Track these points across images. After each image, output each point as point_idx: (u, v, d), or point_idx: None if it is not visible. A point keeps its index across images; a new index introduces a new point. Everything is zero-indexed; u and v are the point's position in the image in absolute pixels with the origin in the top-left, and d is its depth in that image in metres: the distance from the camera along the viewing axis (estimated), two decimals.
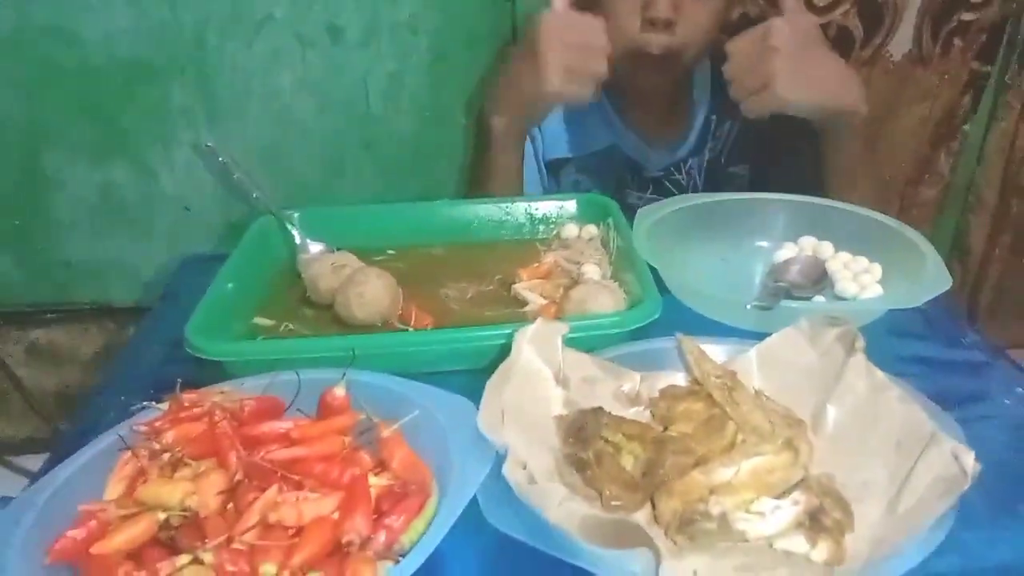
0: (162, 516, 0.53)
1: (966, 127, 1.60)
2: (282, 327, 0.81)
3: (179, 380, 0.61)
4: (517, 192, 1.09)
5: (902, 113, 1.56)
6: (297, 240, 0.92)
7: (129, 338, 1.67)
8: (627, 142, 1.17)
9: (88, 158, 1.54)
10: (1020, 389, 0.72)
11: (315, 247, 0.91)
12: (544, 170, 1.21)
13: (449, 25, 1.39)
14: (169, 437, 0.58)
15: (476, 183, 1.12)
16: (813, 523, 0.52)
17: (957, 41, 1.48)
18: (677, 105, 1.17)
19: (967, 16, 1.46)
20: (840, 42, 1.46)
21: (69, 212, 1.55)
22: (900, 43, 1.48)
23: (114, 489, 0.56)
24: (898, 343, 0.77)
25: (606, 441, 0.57)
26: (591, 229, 0.94)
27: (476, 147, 1.11)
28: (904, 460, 0.54)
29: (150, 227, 1.62)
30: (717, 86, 1.11)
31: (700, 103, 1.17)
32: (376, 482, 0.55)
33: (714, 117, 1.16)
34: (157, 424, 0.59)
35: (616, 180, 1.20)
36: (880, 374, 0.60)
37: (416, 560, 0.47)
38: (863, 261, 0.86)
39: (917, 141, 1.59)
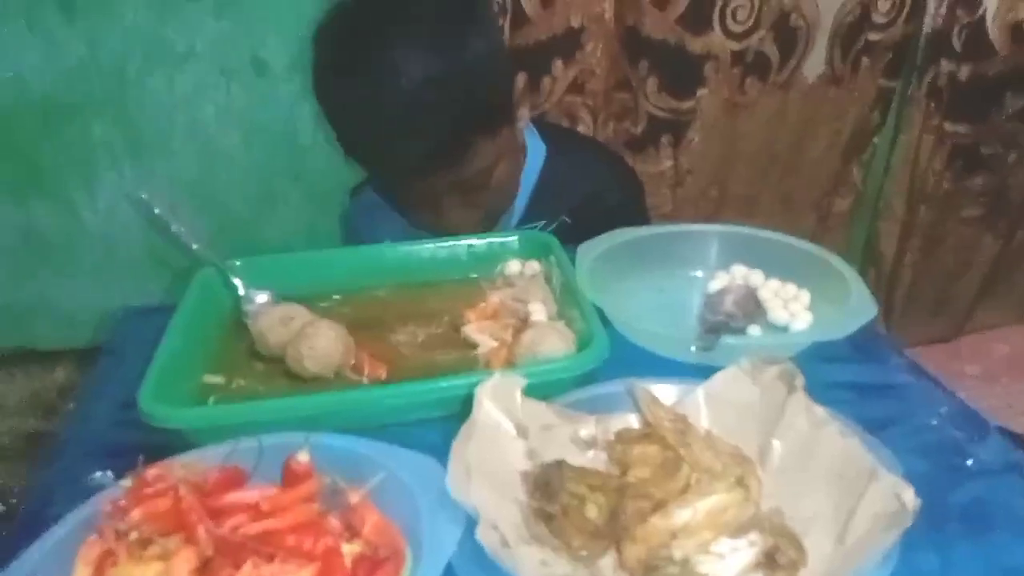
0: None
1: (875, 140, 1.69)
2: (233, 384, 0.81)
3: (141, 456, 0.61)
4: None
5: (818, 131, 1.63)
6: (241, 291, 0.91)
7: (60, 381, 1.63)
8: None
9: (6, 198, 1.49)
10: (943, 409, 0.77)
11: (260, 297, 0.91)
12: None
13: None
14: (135, 515, 0.58)
15: None
16: (769, 562, 0.56)
17: (865, 60, 1.56)
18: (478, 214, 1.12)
19: (873, 36, 1.54)
20: (757, 67, 1.52)
21: None
22: (814, 65, 1.55)
23: (82, 573, 0.56)
24: (825, 369, 0.81)
25: (571, 494, 0.59)
26: (534, 265, 0.96)
27: None
28: (848, 493, 0.58)
29: (75, 267, 1.58)
30: (542, 192, 1.16)
31: (517, 207, 1.17)
32: (349, 550, 0.56)
33: (538, 224, 1.15)
34: (122, 502, 0.58)
35: None
36: (820, 410, 0.63)
37: None
38: (792, 288, 0.91)
39: (832, 156, 1.67)
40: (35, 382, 1.64)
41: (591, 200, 1.17)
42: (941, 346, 1.93)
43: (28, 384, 1.64)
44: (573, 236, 0.97)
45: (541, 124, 1.25)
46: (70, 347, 1.60)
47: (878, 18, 1.53)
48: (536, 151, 1.18)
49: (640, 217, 1.26)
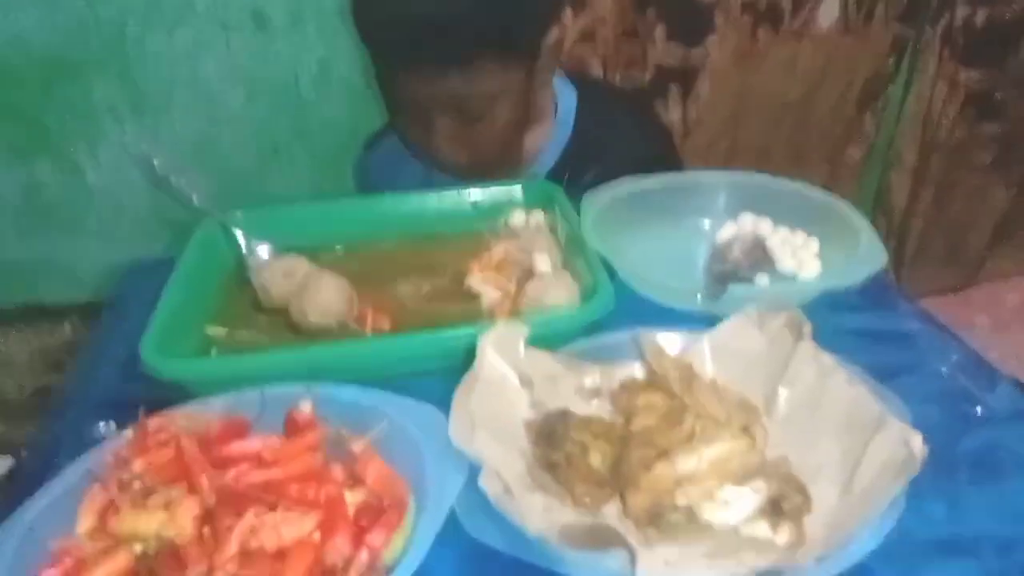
0: (138, 548, 0.54)
1: (890, 89, 1.65)
2: (236, 336, 0.80)
3: (142, 407, 0.61)
4: None
5: (831, 81, 1.60)
6: (243, 243, 0.90)
7: (67, 337, 1.64)
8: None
9: (10, 157, 1.49)
10: (954, 356, 0.76)
11: (262, 249, 0.90)
12: None
13: None
14: (137, 465, 0.58)
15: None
16: (774, 509, 0.55)
17: (880, 6, 1.52)
18: (502, 160, 1.10)
19: None
20: (770, 15, 1.48)
21: None
22: (827, 13, 1.51)
23: (85, 522, 0.56)
24: (835, 317, 0.80)
25: (574, 442, 0.59)
26: (539, 216, 0.95)
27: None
28: (855, 442, 0.57)
29: (79, 225, 1.58)
30: (577, 141, 1.13)
31: (549, 154, 1.15)
32: (352, 498, 0.56)
33: (567, 173, 1.12)
34: (124, 453, 0.58)
35: None
36: (827, 358, 0.63)
37: None
38: (801, 236, 0.90)
39: (845, 106, 1.64)
40: (42, 338, 1.65)
41: (623, 154, 1.13)
42: (951, 296, 1.91)
43: (35, 340, 1.65)
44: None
45: (572, 75, 1.21)
46: (76, 303, 1.60)
47: None
48: (567, 103, 1.15)
49: (677, 165, 1.22)
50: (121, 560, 0.53)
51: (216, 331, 0.81)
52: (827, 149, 1.70)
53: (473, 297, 0.84)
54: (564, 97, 1.15)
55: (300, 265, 0.83)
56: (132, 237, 1.58)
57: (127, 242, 1.55)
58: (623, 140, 1.14)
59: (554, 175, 1.13)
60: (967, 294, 1.96)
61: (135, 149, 1.20)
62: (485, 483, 0.52)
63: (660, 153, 1.20)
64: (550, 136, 1.14)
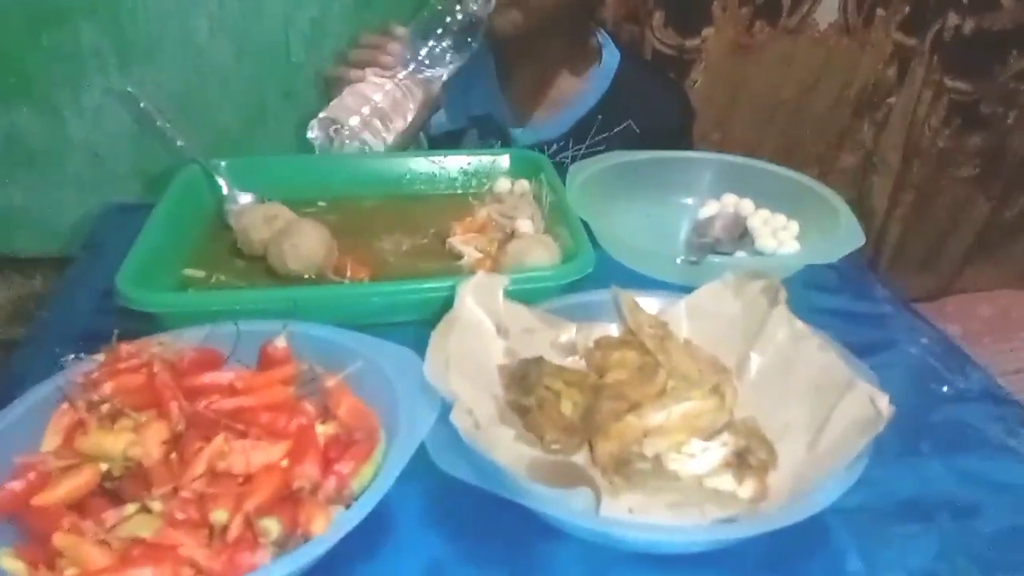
0: (104, 467, 0.53)
1: (891, 100, 1.66)
2: (213, 278, 0.80)
3: (116, 331, 0.60)
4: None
5: (827, 82, 1.60)
6: (225, 190, 0.90)
7: (39, 289, 1.62)
8: (499, 110, 1.21)
9: None
10: (924, 339, 0.78)
11: (244, 198, 0.90)
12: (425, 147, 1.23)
13: None
14: (107, 388, 0.57)
15: None
16: (740, 462, 0.56)
17: (880, 11, 1.53)
18: (548, 86, 1.21)
19: None
20: (768, 10, 1.49)
21: None
22: (826, 12, 1.52)
23: (51, 441, 0.55)
24: (813, 296, 0.82)
25: (547, 388, 0.59)
26: (523, 184, 0.96)
27: None
28: (823, 404, 0.58)
29: (58, 175, 1.55)
30: (616, 91, 1.20)
31: (587, 98, 1.21)
32: (323, 430, 0.56)
33: (600, 117, 1.20)
34: (95, 375, 0.58)
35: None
36: (801, 324, 0.63)
37: (368, 503, 0.48)
38: (781, 218, 0.91)
39: (840, 110, 1.64)
40: (13, 290, 1.62)
41: (654, 115, 1.21)
42: (925, 304, 1.94)
43: (6, 292, 1.62)
44: (632, 146, 1.00)
45: (617, 40, 1.28)
46: (49, 255, 1.58)
47: None
48: (611, 57, 1.22)
49: (688, 145, 1.28)
50: (87, 476, 0.52)
51: (193, 273, 0.81)
52: (819, 151, 1.71)
53: (454, 256, 0.85)
54: (608, 53, 1.21)
55: (282, 212, 0.83)
56: (110, 190, 1.55)
57: (104, 195, 1.53)
58: (653, 106, 1.22)
59: (585, 123, 1.20)
60: (941, 303, 1.99)
61: (120, 88, 1.18)
62: (456, 418, 0.52)
63: (682, 128, 1.26)
64: (590, 82, 1.20)
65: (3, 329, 1.67)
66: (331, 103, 0.88)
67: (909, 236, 1.82)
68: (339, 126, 0.84)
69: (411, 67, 0.91)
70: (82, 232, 1.29)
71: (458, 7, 0.89)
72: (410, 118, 0.92)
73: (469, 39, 0.89)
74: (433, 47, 0.89)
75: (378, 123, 0.86)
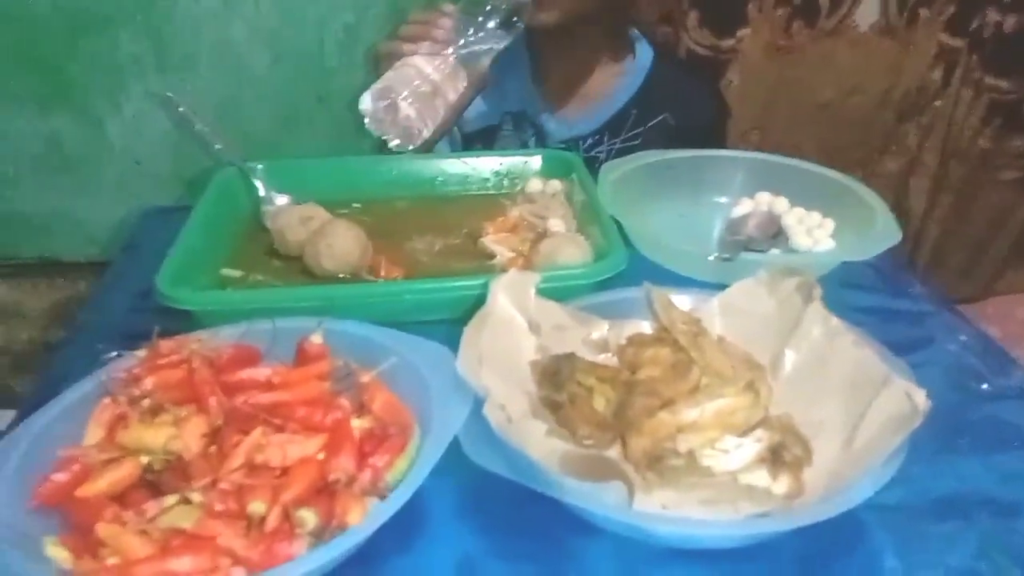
0: (145, 460, 0.54)
1: (937, 103, 1.62)
2: (250, 278, 0.81)
3: (156, 328, 0.62)
4: None
5: (869, 85, 1.57)
6: (261, 192, 0.92)
7: (82, 293, 1.65)
8: (533, 106, 1.22)
9: (32, 109, 1.49)
10: (963, 337, 0.76)
11: (280, 199, 0.91)
12: (459, 144, 1.26)
13: None
14: (148, 384, 0.58)
15: None
16: (774, 458, 0.56)
17: (924, 12, 1.49)
18: (583, 80, 1.22)
19: None
20: (806, 11, 1.47)
21: (12, 165, 1.51)
22: (866, 13, 1.50)
23: (93, 435, 0.57)
24: (850, 294, 0.81)
25: (579, 384, 0.59)
26: (555, 184, 0.96)
27: None
28: (858, 400, 0.57)
29: (98, 180, 1.58)
30: (651, 86, 1.20)
31: (621, 93, 1.21)
32: (358, 424, 0.56)
33: (635, 112, 1.20)
34: (136, 371, 0.59)
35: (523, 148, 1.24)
36: (836, 320, 0.63)
37: (403, 495, 0.49)
38: (816, 216, 0.90)
39: (884, 113, 1.61)
40: (56, 292, 1.66)
41: (689, 111, 1.21)
42: (963, 306, 1.90)
43: (49, 294, 1.65)
44: (667, 141, 1.02)
45: (651, 40, 1.29)
46: (91, 259, 1.61)
47: None
48: (645, 53, 1.23)
49: (722, 143, 1.28)
50: (128, 469, 0.53)
51: (230, 273, 0.82)
52: (861, 155, 1.67)
53: (487, 256, 0.85)
54: (642, 51, 1.22)
55: (318, 212, 0.84)
56: (149, 194, 1.58)
57: (143, 199, 1.56)
58: (688, 102, 1.22)
59: (620, 118, 1.20)
60: (979, 306, 1.95)
61: (160, 93, 1.20)
62: (489, 412, 0.52)
63: (716, 124, 1.27)
64: (624, 78, 1.21)
65: (46, 331, 1.71)
66: (384, 75, 0.88)
67: (948, 239, 1.79)
68: (393, 96, 0.85)
69: (461, 42, 0.91)
70: (122, 236, 1.32)
71: None
72: (461, 90, 0.93)
73: (515, 19, 0.90)
74: (482, 23, 0.90)
75: (430, 95, 0.87)
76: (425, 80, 0.87)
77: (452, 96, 0.90)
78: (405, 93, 0.84)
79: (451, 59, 0.89)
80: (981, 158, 1.69)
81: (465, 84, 0.93)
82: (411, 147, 0.89)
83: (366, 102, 0.86)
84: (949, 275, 1.86)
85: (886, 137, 1.67)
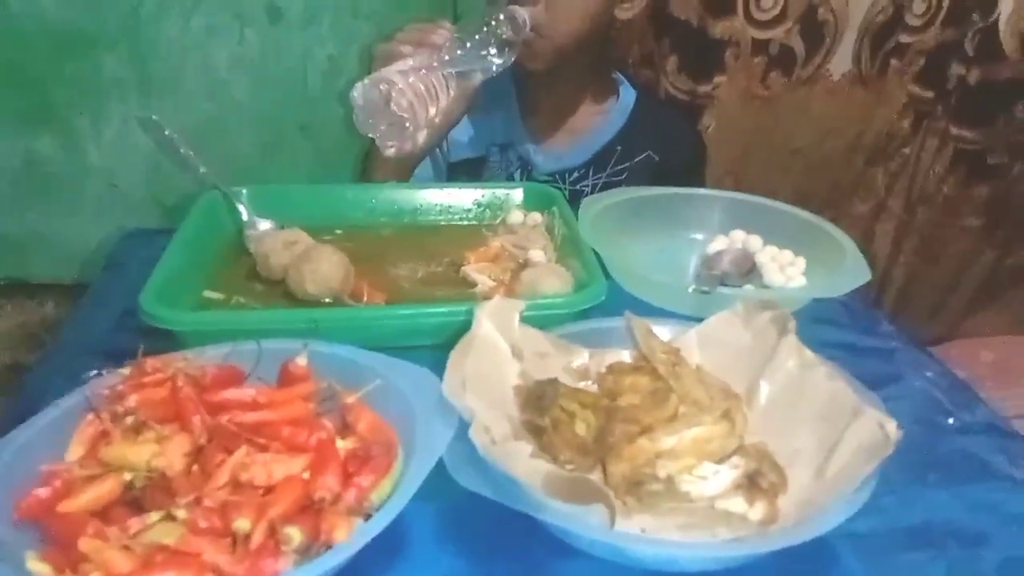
0: (128, 476, 0.54)
1: (906, 150, 1.67)
2: (232, 300, 0.82)
3: (141, 346, 0.62)
4: None
5: (841, 131, 1.62)
6: (245, 216, 0.92)
7: (50, 315, 1.63)
8: (519, 138, 1.25)
9: (12, 127, 1.49)
10: (929, 373, 0.79)
11: (263, 224, 0.92)
12: (444, 173, 1.28)
13: (391, 9, 1.40)
14: (132, 401, 0.58)
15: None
16: (751, 485, 0.57)
17: (894, 62, 1.54)
18: (568, 115, 1.25)
19: (905, 38, 1.52)
20: (782, 60, 1.52)
21: None
22: (840, 63, 1.54)
23: (76, 451, 0.57)
24: (820, 330, 0.83)
25: (562, 409, 0.60)
26: (536, 216, 0.98)
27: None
28: (831, 430, 0.59)
29: (75, 202, 1.57)
30: (634, 123, 1.24)
31: (606, 130, 1.25)
32: (343, 445, 0.57)
33: (619, 148, 1.24)
34: (120, 388, 0.59)
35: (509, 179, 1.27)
36: (810, 353, 0.65)
37: (389, 514, 0.49)
38: (788, 254, 0.93)
39: (855, 159, 1.66)
40: (24, 315, 1.63)
41: (672, 148, 1.26)
42: (929, 348, 1.94)
43: (16, 316, 1.63)
44: (651, 177, 1.06)
45: (633, 79, 1.33)
46: (61, 282, 1.60)
47: (912, 20, 1.51)
48: (628, 94, 1.27)
49: (701, 181, 1.32)
50: (110, 485, 0.53)
51: (213, 295, 0.82)
52: (831, 198, 1.71)
53: (468, 284, 0.86)
54: (625, 90, 1.27)
55: (302, 237, 0.85)
56: (125, 218, 1.57)
57: (120, 223, 1.55)
58: (671, 139, 1.27)
59: (605, 154, 1.24)
60: (943, 348, 1.99)
61: (144, 115, 1.21)
62: (475, 435, 0.53)
63: (697, 161, 1.32)
64: (608, 115, 1.25)
65: (12, 353, 1.68)
66: (380, 70, 0.90)
67: (913, 284, 1.83)
68: (386, 88, 0.85)
69: (457, 53, 0.93)
70: (96, 259, 1.31)
71: (495, 22, 0.93)
72: (452, 95, 0.95)
73: (508, 49, 0.93)
74: (477, 45, 0.92)
75: (423, 95, 0.88)
76: (420, 79, 0.88)
77: (444, 101, 0.92)
78: (400, 86, 0.85)
79: (446, 63, 0.92)
80: (945, 205, 1.74)
81: (456, 94, 0.95)
82: (400, 148, 0.90)
83: (357, 92, 0.86)
84: (914, 318, 1.90)
85: (855, 180, 1.71)
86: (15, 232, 1.59)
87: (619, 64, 1.31)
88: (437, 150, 1.26)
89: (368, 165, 1.16)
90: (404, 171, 1.10)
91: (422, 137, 0.99)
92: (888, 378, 0.77)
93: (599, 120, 1.25)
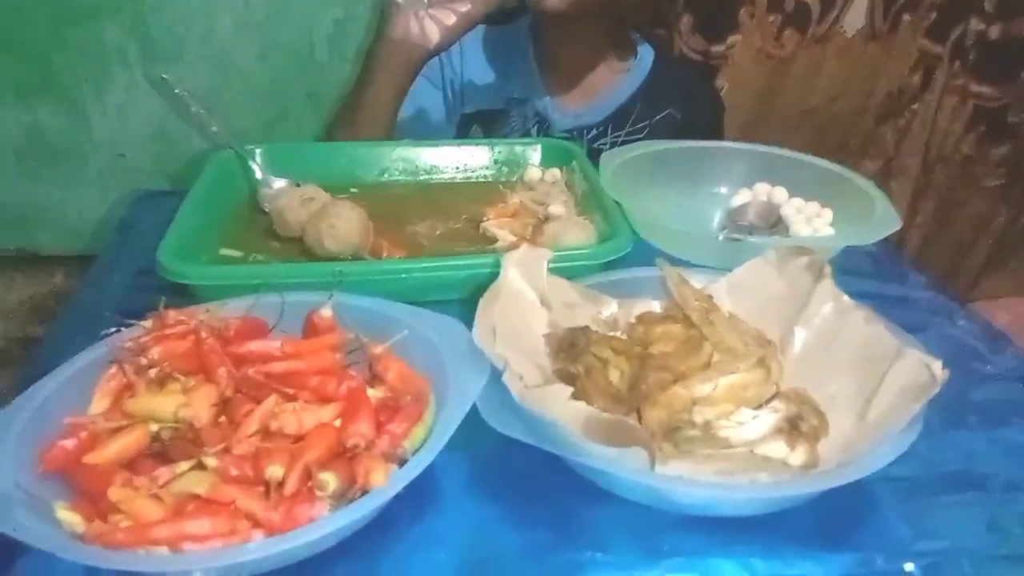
0: (154, 428, 0.53)
1: (915, 106, 1.64)
2: (250, 258, 0.80)
3: (163, 299, 0.60)
4: (385, 133, 1.06)
5: (853, 89, 1.59)
6: (259, 175, 0.91)
7: (59, 286, 1.62)
8: (537, 94, 1.23)
9: (14, 98, 1.47)
10: (961, 322, 0.77)
11: (278, 183, 0.90)
12: (454, 123, 1.26)
13: None
14: (155, 353, 0.57)
15: (341, 120, 1.09)
16: (791, 429, 0.56)
17: (906, 17, 1.51)
18: (588, 72, 1.23)
19: None
20: (797, 17, 1.49)
21: None
22: (854, 19, 1.51)
23: (99, 404, 0.55)
24: (849, 280, 0.80)
25: (595, 356, 0.59)
26: (554, 172, 0.96)
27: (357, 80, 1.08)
28: (871, 374, 0.58)
29: (80, 173, 1.56)
30: (654, 82, 1.23)
31: (625, 88, 1.23)
32: (373, 394, 0.55)
33: (638, 106, 1.22)
34: (142, 341, 0.58)
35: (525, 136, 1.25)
36: (846, 298, 0.63)
37: (425, 459, 0.48)
38: (815, 205, 0.91)
39: (864, 117, 1.63)
40: (34, 286, 1.63)
41: (692, 106, 1.25)
42: None
43: (26, 288, 1.62)
44: (673, 135, 1.03)
45: (650, 39, 1.31)
46: (69, 253, 1.59)
47: None
48: (647, 53, 1.26)
49: (720, 137, 1.30)
50: (137, 436, 0.52)
51: (231, 252, 0.81)
52: (843, 158, 1.69)
53: (488, 240, 0.85)
54: (644, 52, 1.25)
55: (318, 194, 0.83)
56: (132, 189, 1.56)
57: (126, 193, 1.54)
58: (691, 96, 1.26)
59: (624, 112, 1.23)
60: None
61: (154, 75, 1.19)
62: (509, 381, 0.52)
63: (712, 123, 1.29)
64: (627, 73, 1.23)
65: (22, 325, 1.67)
66: None
67: (929, 243, 1.81)
68: None
69: None
70: (105, 229, 1.29)
71: None
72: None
73: None
74: None
75: None
76: None
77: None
78: None
79: None
80: (963, 164, 1.71)
81: None
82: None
83: None
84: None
85: (865, 140, 1.69)
86: (22, 204, 1.58)
87: (635, 24, 1.29)
88: (449, 92, 1.24)
89: (348, 107, 1.08)
90: (407, 74, 1.03)
91: (434, 34, 0.98)
92: (920, 325, 0.75)
93: (618, 79, 1.23)
